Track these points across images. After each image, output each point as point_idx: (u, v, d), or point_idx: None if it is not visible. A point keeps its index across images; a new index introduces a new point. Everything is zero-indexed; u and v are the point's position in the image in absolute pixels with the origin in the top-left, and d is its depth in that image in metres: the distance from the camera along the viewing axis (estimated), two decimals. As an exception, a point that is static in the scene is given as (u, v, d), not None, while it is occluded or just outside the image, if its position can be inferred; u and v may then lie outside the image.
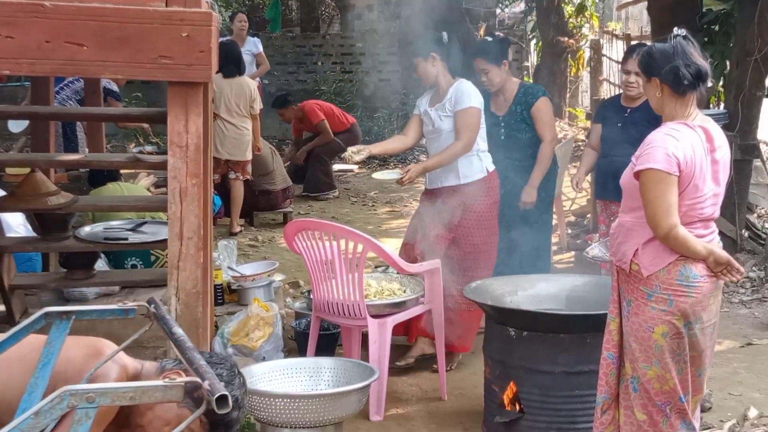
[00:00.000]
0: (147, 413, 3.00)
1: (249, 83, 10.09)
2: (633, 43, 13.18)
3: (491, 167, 6.16)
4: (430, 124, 6.13)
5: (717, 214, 4.06)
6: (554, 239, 8.99)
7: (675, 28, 4.01)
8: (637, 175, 3.90)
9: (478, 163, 6.08)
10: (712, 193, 3.97)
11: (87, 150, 9.48)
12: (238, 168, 10.04)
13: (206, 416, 2.91)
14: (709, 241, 4.00)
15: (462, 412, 5.58)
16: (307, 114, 12.24)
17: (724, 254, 3.96)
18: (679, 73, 3.89)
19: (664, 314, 3.94)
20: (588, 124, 14.13)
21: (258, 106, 10.18)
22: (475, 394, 5.56)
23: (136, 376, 3.14)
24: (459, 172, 6.03)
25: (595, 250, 5.14)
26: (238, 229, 10.23)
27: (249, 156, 10.10)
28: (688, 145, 3.86)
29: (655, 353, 3.99)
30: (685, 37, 3.96)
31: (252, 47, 13.12)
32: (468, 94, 6.05)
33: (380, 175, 6.33)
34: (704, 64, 3.93)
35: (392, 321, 5.47)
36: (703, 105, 9.38)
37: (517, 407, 4.89)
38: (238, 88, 9.82)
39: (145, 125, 12.12)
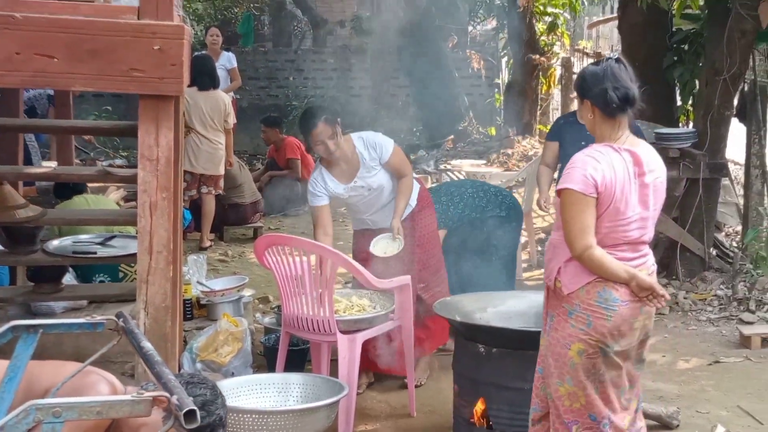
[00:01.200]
0: None
1: (223, 97, 10.08)
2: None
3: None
4: (365, 191, 5.99)
5: (647, 237, 4.04)
6: (524, 256, 9.03)
7: (608, 52, 4.06)
8: (559, 193, 3.95)
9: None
10: (638, 216, 3.96)
11: (41, 161, 9.45)
12: (211, 182, 10.01)
13: None
14: (638, 264, 4.00)
15: (431, 428, 5.57)
16: (286, 146, 12.21)
17: (647, 280, 3.95)
18: (607, 96, 3.93)
19: (582, 333, 3.96)
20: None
21: (232, 120, 10.16)
22: (445, 410, 5.55)
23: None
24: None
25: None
26: (208, 243, 10.19)
27: (222, 170, 10.09)
28: (609, 167, 3.88)
29: (569, 370, 4.01)
30: (617, 60, 4.00)
31: (226, 62, 13.09)
32: (383, 139, 5.99)
33: (381, 249, 5.92)
34: (632, 87, 3.95)
35: (362, 337, 5.46)
36: (673, 123, 9.48)
37: (487, 423, 4.89)
38: (212, 102, 9.79)
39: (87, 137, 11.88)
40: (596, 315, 3.92)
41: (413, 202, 6.14)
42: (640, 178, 3.95)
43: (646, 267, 4.03)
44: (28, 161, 9.19)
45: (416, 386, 5.99)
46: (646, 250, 4.08)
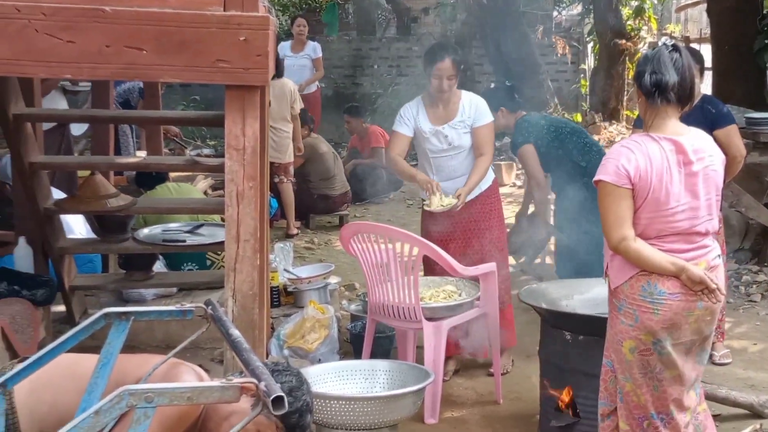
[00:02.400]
0: (223, 424, 3.03)
1: (289, 85, 10.08)
2: (692, 46, 13.04)
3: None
4: (444, 143, 5.96)
5: (703, 228, 3.90)
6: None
7: (663, 38, 3.98)
8: (595, 185, 3.91)
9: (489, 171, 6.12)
10: (686, 206, 3.85)
11: (134, 151, 9.61)
12: (280, 171, 10.03)
13: (282, 420, 3.01)
14: (694, 256, 3.87)
15: (517, 415, 5.56)
16: (370, 134, 12.25)
17: (698, 273, 3.81)
18: (641, 80, 3.88)
19: (631, 329, 3.89)
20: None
21: (298, 106, 10.20)
22: (531, 397, 5.53)
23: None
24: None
25: None
26: (294, 231, 10.26)
27: (290, 158, 10.12)
28: (644, 157, 3.80)
29: (626, 367, 3.95)
30: (673, 47, 3.89)
31: (311, 52, 13.23)
32: (486, 108, 6.02)
33: (437, 206, 5.84)
34: (670, 75, 3.81)
35: (447, 324, 5.47)
36: (765, 107, 9.27)
37: (573, 411, 4.86)
38: (277, 90, 9.76)
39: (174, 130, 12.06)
40: (642, 309, 3.85)
41: (484, 185, 6.07)
42: (686, 166, 3.84)
43: (705, 260, 3.91)
44: (118, 151, 9.35)
45: (502, 374, 5.98)
46: (706, 242, 3.94)
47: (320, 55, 13.42)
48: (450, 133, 5.94)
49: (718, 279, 3.92)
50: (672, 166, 3.82)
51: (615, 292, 3.95)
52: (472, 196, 5.94)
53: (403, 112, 6.03)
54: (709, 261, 3.93)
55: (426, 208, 5.82)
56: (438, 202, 5.76)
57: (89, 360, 3.05)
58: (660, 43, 3.97)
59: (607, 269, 4.00)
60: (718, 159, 3.96)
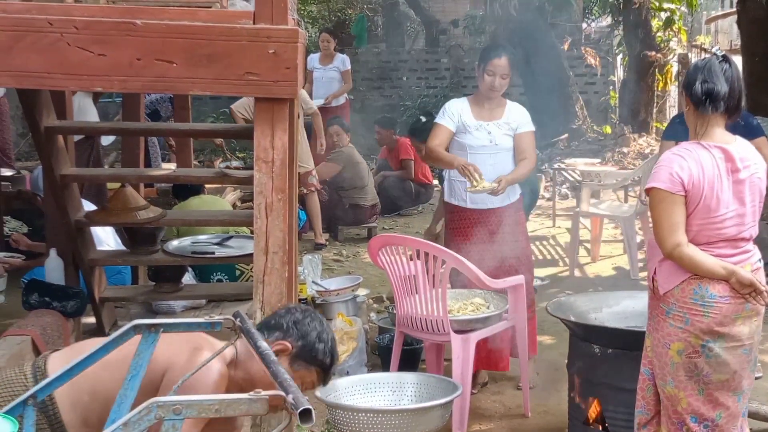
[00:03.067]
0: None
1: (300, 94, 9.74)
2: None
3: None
4: (486, 139, 5.93)
5: (748, 233, 3.97)
6: (641, 255, 8.89)
7: (714, 47, 4.03)
8: (647, 192, 3.96)
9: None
10: (734, 213, 3.90)
11: (161, 163, 9.66)
12: (300, 181, 9.66)
13: (320, 369, 3.44)
14: (739, 261, 3.92)
15: (545, 429, 5.54)
16: (399, 146, 12.23)
17: (748, 276, 3.88)
18: (693, 88, 3.92)
19: (680, 331, 3.92)
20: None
21: (314, 103, 10.17)
22: (559, 411, 5.51)
23: (233, 363, 3.32)
24: (508, 193, 5.96)
25: None
26: (322, 240, 10.19)
27: (307, 167, 9.85)
28: (696, 164, 3.84)
29: (670, 371, 3.97)
30: (723, 58, 3.94)
31: (339, 64, 13.27)
32: (528, 117, 6.03)
33: (479, 187, 5.74)
34: (721, 85, 3.88)
35: (476, 336, 5.45)
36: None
37: (602, 425, 4.84)
38: None
39: (218, 141, 12.19)
40: (693, 312, 3.89)
41: (513, 197, 6.03)
42: (734, 174, 3.90)
43: (749, 263, 3.96)
44: (148, 164, 9.42)
45: (531, 387, 5.97)
46: (749, 246, 4.00)
47: (349, 67, 13.46)
48: (493, 130, 5.93)
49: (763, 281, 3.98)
50: (722, 173, 3.88)
51: (664, 296, 3.97)
52: (500, 204, 5.94)
53: (448, 106, 6.02)
54: (753, 264, 3.98)
55: (468, 189, 5.76)
56: (478, 184, 5.71)
57: (120, 347, 3.09)
58: (712, 54, 4.00)
59: (655, 274, 4.02)
60: (762, 167, 4.03)
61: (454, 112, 5.95)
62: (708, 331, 3.89)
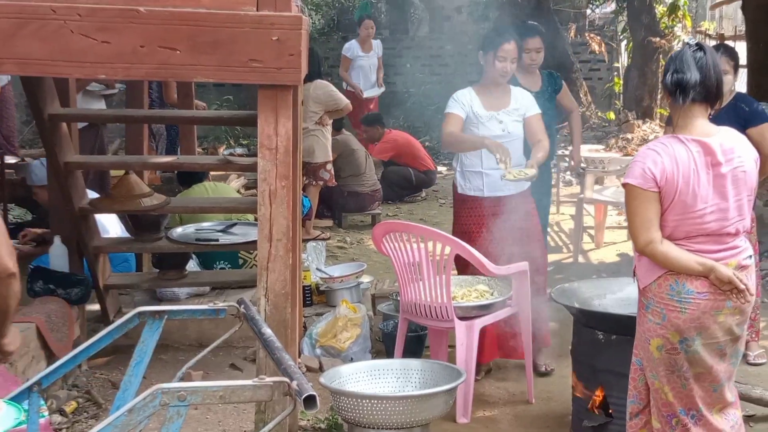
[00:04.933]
0: None
1: (322, 86, 9.48)
2: (726, 43, 12.94)
3: None
4: (499, 129, 5.87)
5: (733, 228, 3.89)
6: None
7: (688, 38, 4.02)
8: (624, 187, 3.93)
9: None
10: (714, 207, 3.83)
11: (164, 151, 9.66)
12: (309, 172, 9.48)
13: None
14: (724, 257, 3.86)
15: (550, 415, 5.55)
16: (387, 138, 12.23)
17: (726, 272, 3.81)
18: (665, 80, 3.90)
19: (658, 327, 3.90)
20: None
21: (367, 94, 10.69)
22: (563, 398, 5.52)
23: None
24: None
25: None
26: (312, 234, 9.63)
27: (319, 159, 9.58)
28: (671, 160, 3.79)
29: (654, 365, 3.96)
30: (697, 46, 3.89)
31: (378, 50, 13.48)
32: (533, 99, 6.02)
33: (520, 175, 5.62)
34: (691, 75, 3.81)
35: (480, 323, 5.46)
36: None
37: (606, 411, 4.84)
38: (309, 91, 9.17)
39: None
40: (669, 308, 3.86)
41: (525, 185, 5.93)
42: (714, 168, 3.82)
43: (736, 260, 3.89)
44: (174, 151, 9.44)
45: (545, 373, 6.04)
46: (738, 242, 3.92)
47: (381, 53, 13.69)
48: (505, 119, 5.90)
49: (749, 279, 3.91)
50: (700, 168, 3.81)
51: (643, 291, 3.96)
52: (516, 190, 5.89)
53: (457, 96, 5.95)
54: (740, 261, 3.92)
55: (506, 177, 5.58)
56: (517, 172, 5.60)
57: None
58: (686, 44, 3.97)
59: (635, 269, 4.01)
60: (749, 158, 3.93)
61: (465, 102, 5.91)
62: (684, 327, 3.84)
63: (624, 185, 3.90)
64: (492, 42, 5.87)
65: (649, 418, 4.11)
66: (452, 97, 5.97)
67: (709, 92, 3.85)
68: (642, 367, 4.07)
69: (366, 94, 13.28)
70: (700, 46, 3.89)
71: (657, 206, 3.82)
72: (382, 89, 13.63)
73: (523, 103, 5.96)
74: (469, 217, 6.00)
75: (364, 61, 13.24)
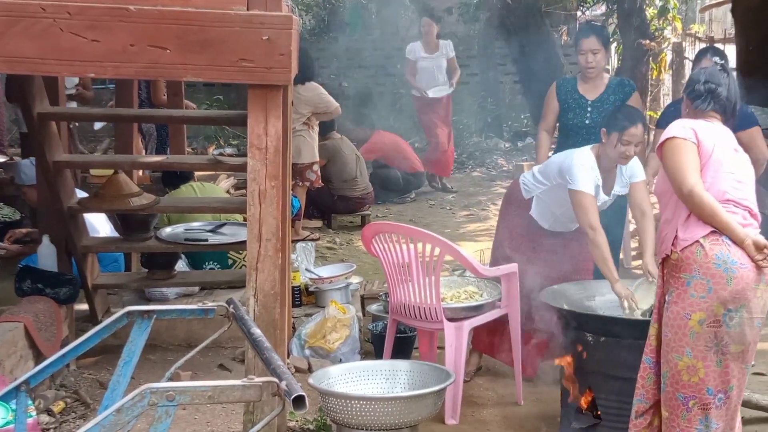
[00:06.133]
0: None
1: (312, 88, 9.35)
2: (716, 46, 12.97)
3: None
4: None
5: (751, 203, 4.08)
6: (634, 244, 8.89)
7: (715, 57, 4.41)
8: (660, 151, 4.10)
9: None
10: (742, 178, 4.09)
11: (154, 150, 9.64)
12: (296, 172, 9.18)
13: None
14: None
15: (539, 417, 5.55)
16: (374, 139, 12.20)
17: (762, 239, 3.95)
18: (694, 87, 4.19)
19: (702, 301, 3.94)
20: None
21: (431, 93, 10.88)
22: (552, 399, 5.52)
23: None
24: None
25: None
26: (300, 235, 9.47)
27: (306, 160, 9.41)
28: (704, 127, 4.07)
29: (689, 341, 3.97)
30: (722, 68, 4.29)
31: (446, 51, 12.47)
32: (640, 166, 5.71)
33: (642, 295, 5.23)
34: (722, 86, 4.18)
35: (469, 324, 5.46)
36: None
37: (594, 413, 4.85)
38: (298, 92, 8.96)
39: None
40: (716, 280, 3.90)
41: None
42: (735, 152, 4.16)
43: (759, 237, 4.02)
44: (164, 151, 9.41)
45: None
46: (751, 219, 4.07)
47: (454, 53, 12.65)
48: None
49: None
50: (728, 143, 4.12)
51: (687, 264, 3.96)
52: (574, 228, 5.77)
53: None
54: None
55: (625, 315, 5.12)
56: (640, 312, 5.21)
57: None
58: (715, 63, 4.41)
59: (675, 240, 4.01)
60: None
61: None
62: (730, 298, 3.90)
63: (662, 144, 4.06)
64: (618, 123, 5.47)
65: (653, 418, 4.17)
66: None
67: (730, 107, 4.20)
68: (652, 365, 4.15)
69: (431, 94, 12.27)
70: (724, 69, 4.26)
71: (697, 158, 3.99)
72: (452, 89, 12.53)
73: (629, 172, 5.66)
74: (524, 234, 5.90)
75: (428, 63, 12.33)
